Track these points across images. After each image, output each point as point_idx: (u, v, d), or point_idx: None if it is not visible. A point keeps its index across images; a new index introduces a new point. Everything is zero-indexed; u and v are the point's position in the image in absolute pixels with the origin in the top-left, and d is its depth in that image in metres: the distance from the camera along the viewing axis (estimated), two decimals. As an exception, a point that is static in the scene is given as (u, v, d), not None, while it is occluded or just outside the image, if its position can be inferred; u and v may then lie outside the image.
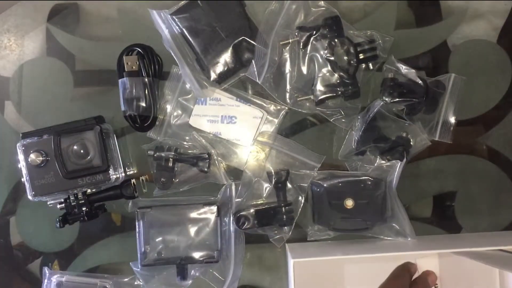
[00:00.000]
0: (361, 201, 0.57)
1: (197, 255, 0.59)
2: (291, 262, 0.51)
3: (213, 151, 0.60)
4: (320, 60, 0.58)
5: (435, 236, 0.62)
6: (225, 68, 0.59)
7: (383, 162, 0.58)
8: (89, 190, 0.58)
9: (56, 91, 0.63)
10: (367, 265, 0.61)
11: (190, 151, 0.60)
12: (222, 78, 0.60)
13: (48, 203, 0.58)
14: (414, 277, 0.54)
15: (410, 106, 0.57)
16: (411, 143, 0.58)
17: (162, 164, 0.58)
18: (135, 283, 0.61)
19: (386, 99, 0.57)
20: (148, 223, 0.59)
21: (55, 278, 0.60)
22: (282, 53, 0.60)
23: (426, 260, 0.60)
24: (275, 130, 0.61)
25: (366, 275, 0.61)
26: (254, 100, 0.61)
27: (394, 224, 0.58)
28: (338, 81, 0.58)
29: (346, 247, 0.59)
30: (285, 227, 0.59)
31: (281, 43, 0.59)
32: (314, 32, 0.58)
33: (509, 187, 0.63)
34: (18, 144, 0.56)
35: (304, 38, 0.58)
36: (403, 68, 0.57)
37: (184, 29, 0.58)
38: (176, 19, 0.58)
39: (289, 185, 0.59)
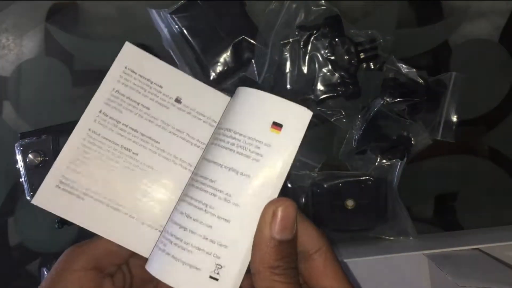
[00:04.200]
0: (362, 201, 0.56)
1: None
2: None
3: (213, 151, 0.59)
4: (321, 59, 0.58)
5: (435, 235, 0.61)
6: (225, 68, 0.58)
7: (384, 161, 0.58)
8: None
9: (54, 90, 0.63)
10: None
11: (189, 151, 0.60)
12: (222, 77, 0.59)
13: (46, 203, 0.57)
14: None
15: (412, 106, 0.57)
16: (412, 141, 0.58)
17: (161, 164, 0.58)
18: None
19: (387, 99, 0.56)
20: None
21: (53, 279, 0.60)
22: (282, 53, 0.59)
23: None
24: (275, 130, 0.61)
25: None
26: (254, 100, 0.61)
27: (395, 224, 0.58)
28: (338, 80, 0.58)
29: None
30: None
31: (281, 42, 0.58)
32: (315, 31, 0.57)
33: (511, 188, 0.62)
34: (16, 144, 0.56)
35: (304, 37, 0.58)
36: (404, 68, 0.57)
37: (183, 29, 0.58)
38: (176, 19, 0.58)
39: (289, 186, 0.59)
